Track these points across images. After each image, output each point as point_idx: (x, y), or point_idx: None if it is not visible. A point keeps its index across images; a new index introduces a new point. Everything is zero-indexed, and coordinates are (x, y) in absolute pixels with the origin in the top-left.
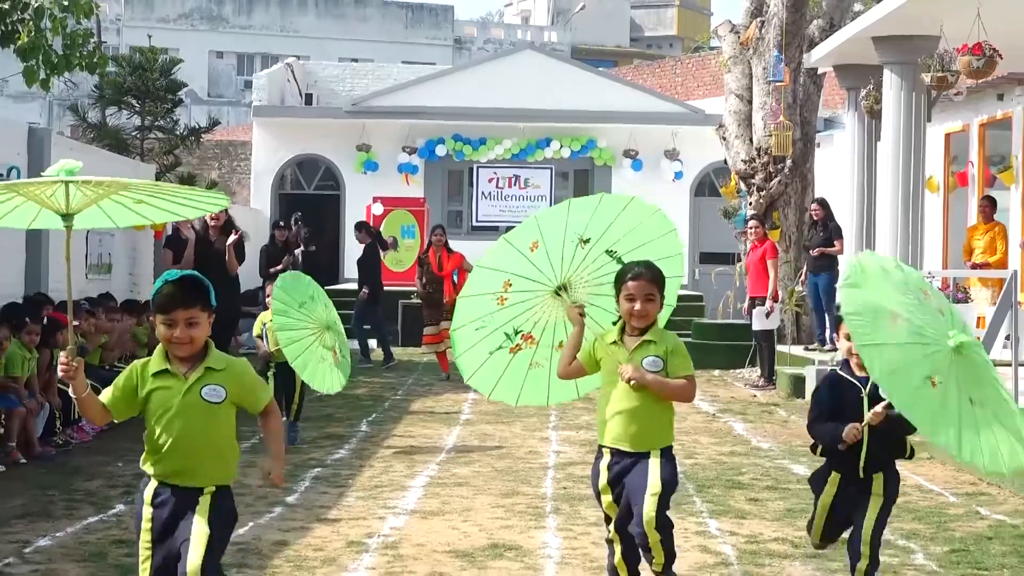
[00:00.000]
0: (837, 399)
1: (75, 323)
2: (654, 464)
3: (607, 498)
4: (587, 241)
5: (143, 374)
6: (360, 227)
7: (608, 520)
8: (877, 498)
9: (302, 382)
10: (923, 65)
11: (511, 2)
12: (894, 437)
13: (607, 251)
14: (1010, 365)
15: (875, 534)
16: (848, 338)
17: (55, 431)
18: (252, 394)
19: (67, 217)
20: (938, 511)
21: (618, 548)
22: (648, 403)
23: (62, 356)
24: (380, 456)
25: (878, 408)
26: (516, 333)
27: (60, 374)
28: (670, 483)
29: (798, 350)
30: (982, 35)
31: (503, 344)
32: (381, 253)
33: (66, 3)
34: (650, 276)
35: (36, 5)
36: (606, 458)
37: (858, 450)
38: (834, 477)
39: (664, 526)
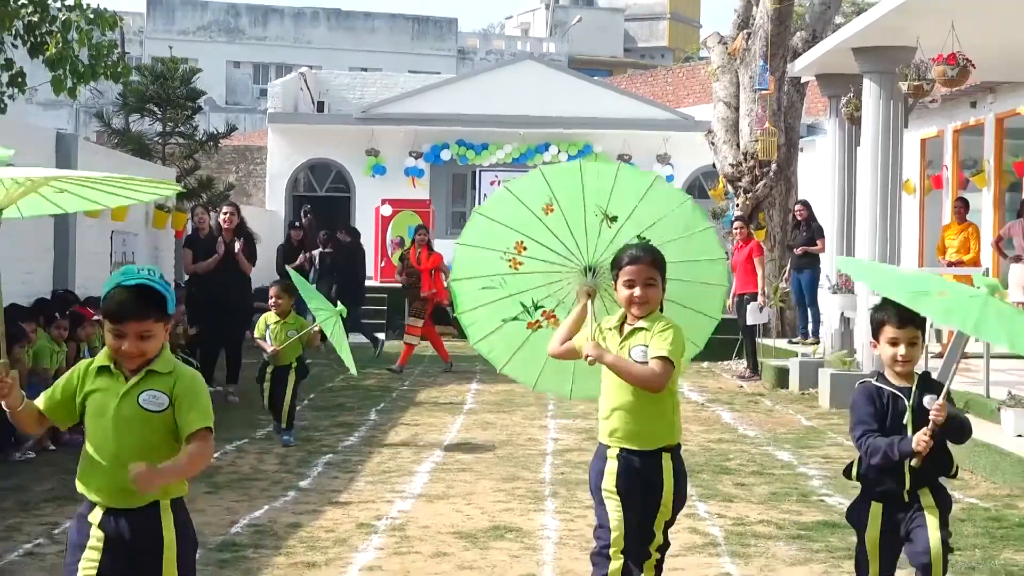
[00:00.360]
0: (877, 410)
1: (99, 318)
2: (668, 481)
3: (613, 503)
4: (615, 219)
5: (86, 372)
6: (342, 229)
7: (601, 530)
8: (932, 509)
9: (294, 389)
10: (900, 74)
11: (511, 15)
12: (938, 452)
13: (638, 236)
14: (981, 357)
15: (944, 546)
16: (892, 343)
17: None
18: (190, 409)
19: None
20: None
21: (615, 563)
22: (647, 397)
23: None
24: (388, 443)
25: (940, 400)
26: (536, 308)
27: None
28: (681, 501)
29: (782, 343)
30: (956, 46)
31: (519, 316)
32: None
33: (92, 16)
34: (650, 259)
35: (64, 18)
36: (613, 450)
37: (901, 472)
38: (875, 510)
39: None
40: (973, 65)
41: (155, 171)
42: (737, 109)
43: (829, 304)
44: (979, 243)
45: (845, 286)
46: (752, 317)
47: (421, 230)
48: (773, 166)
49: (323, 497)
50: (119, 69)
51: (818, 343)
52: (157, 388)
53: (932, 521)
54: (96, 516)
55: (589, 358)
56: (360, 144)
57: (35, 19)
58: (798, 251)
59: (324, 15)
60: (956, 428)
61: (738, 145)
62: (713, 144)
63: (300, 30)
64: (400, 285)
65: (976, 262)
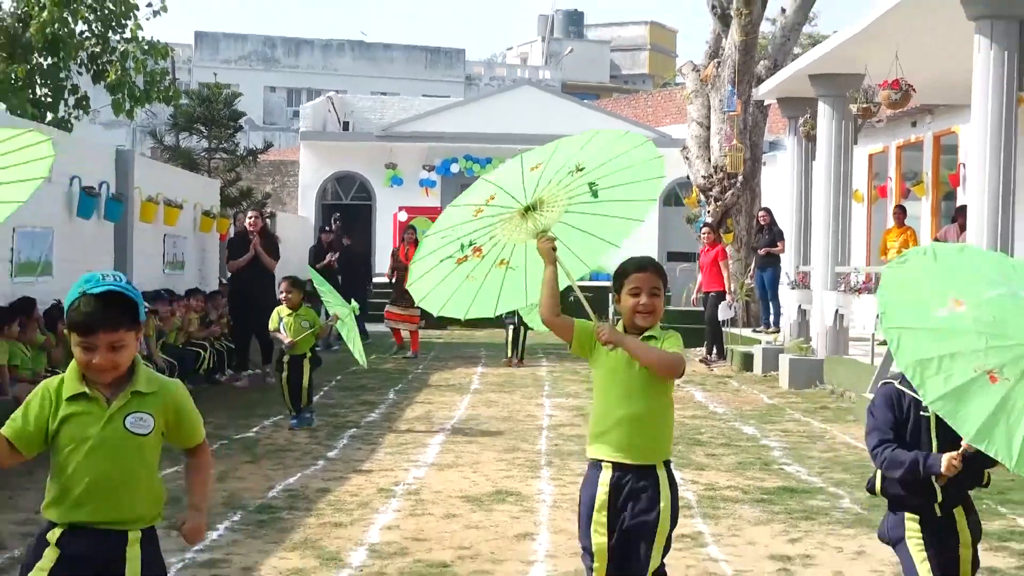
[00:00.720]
0: (897, 418)
1: (154, 309)
2: (664, 493)
3: (601, 516)
4: (582, 169)
5: (56, 397)
6: (346, 235)
7: (588, 551)
8: (967, 549)
9: (311, 373)
10: (850, 98)
11: (512, 46)
12: (976, 468)
13: (589, 184)
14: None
15: None
16: None
17: None
18: (187, 424)
19: None
20: (861, 464)
21: None
22: (653, 406)
23: None
24: (405, 419)
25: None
26: (469, 245)
27: None
28: (676, 518)
29: (747, 332)
30: (899, 73)
31: (453, 254)
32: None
33: (146, 47)
34: (654, 268)
35: (122, 49)
36: (606, 472)
37: (930, 486)
38: (913, 523)
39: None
40: (914, 90)
41: (204, 184)
42: (708, 128)
43: (788, 298)
44: (917, 245)
45: (802, 282)
46: (723, 313)
47: (410, 229)
48: (740, 178)
49: (348, 466)
50: (170, 93)
51: (778, 332)
52: (143, 410)
53: (964, 555)
54: (54, 535)
55: (607, 344)
56: (380, 159)
57: (97, 50)
58: (761, 252)
59: (349, 46)
60: (990, 459)
61: (709, 160)
62: (687, 159)
63: (328, 59)
64: (388, 279)
65: None
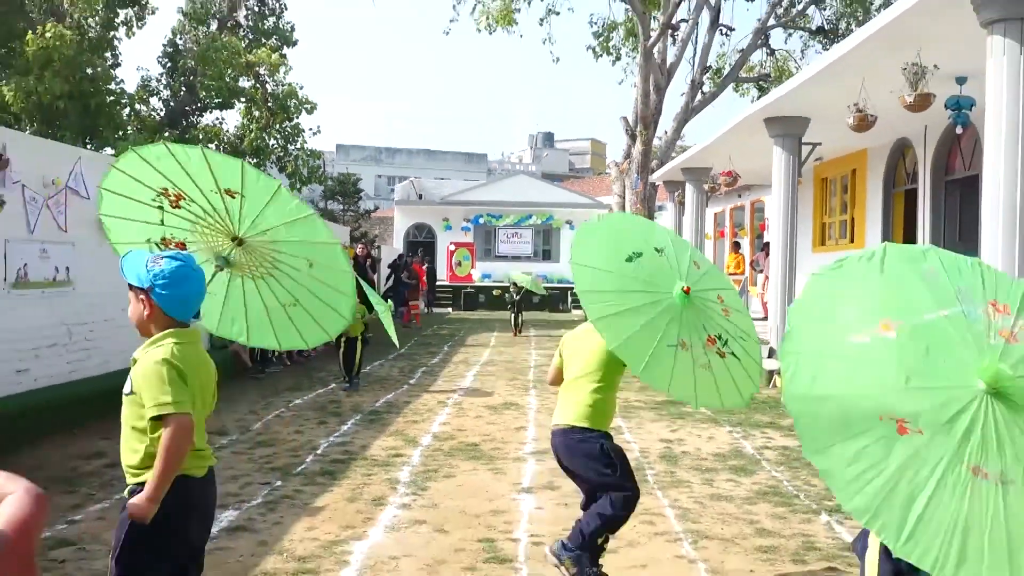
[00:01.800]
0: None
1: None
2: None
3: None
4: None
5: None
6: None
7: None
8: None
9: (362, 350)
10: (704, 181)
11: (513, 151)
12: None
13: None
14: None
15: None
16: None
17: (302, 351)
18: (147, 393)
19: (226, 261)
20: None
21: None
22: None
23: None
24: (453, 361)
25: None
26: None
27: None
28: None
29: None
30: (732, 166)
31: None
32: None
33: (308, 153)
34: None
35: (295, 154)
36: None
37: None
38: (876, 537)
39: None
40: (739, 176)
41: (339, 229)
42: (624, 198)
43: None
44: (745, 263)
45: None
46: None
47: (417, 254)
48: None
49: (421, 388)
50: (322, 179)
51: None
52: (132, 372)
53: None
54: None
55: None
56: (440, 215)
57: (281, 154)
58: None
59: (423, 152)
60: None
61: None
62: None
63: (411, 159)
64: (404, 281)
65: (743, 272)
